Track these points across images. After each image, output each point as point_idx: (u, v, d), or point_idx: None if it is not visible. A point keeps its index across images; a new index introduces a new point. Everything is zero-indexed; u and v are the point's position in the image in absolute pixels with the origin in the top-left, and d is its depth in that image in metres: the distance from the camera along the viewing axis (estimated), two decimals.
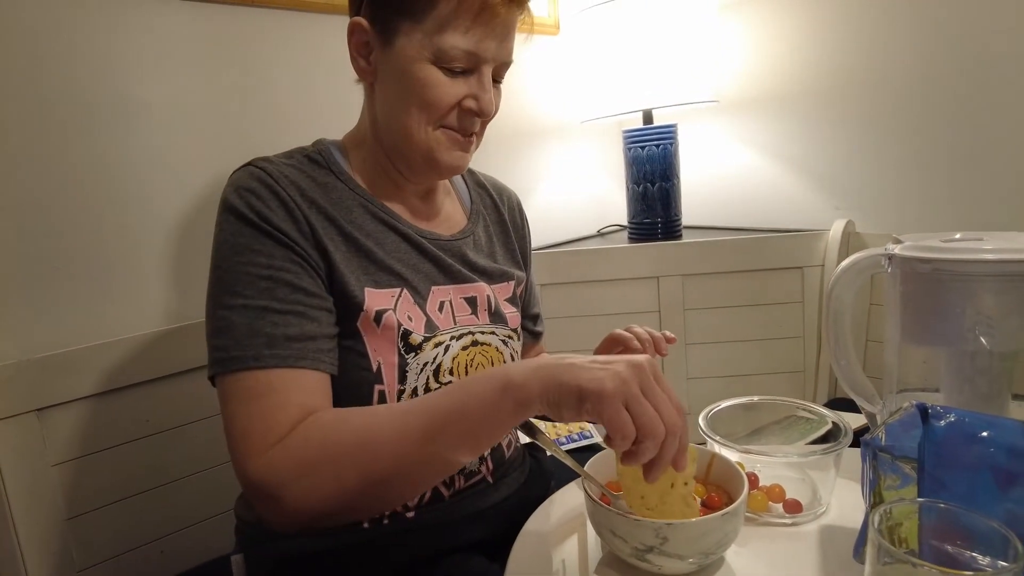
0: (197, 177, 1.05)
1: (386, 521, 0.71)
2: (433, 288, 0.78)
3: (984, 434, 0.45)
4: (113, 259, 0.98)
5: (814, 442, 0.70)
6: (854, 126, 1.44)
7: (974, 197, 1.28)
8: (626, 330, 0.83)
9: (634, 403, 0.51)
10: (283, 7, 1.13)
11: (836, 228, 1.40)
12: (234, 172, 0.73)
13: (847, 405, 1.37)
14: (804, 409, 0.72)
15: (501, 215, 0.93)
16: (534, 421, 0.62)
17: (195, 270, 1.04)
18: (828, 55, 1.45)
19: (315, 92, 1.17)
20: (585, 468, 0.62)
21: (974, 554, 0.39)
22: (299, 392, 0.64)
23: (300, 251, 0.68)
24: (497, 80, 0.76)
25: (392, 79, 0.72)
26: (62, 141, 0.93)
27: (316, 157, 0.76)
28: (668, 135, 1.45)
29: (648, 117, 1.50)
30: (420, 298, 0.76)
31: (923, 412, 0.47)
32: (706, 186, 1.70)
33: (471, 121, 0.74)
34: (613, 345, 0.83)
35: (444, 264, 0.79)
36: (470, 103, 0.72)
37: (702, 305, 1.45)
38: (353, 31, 0.73)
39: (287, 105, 1.15)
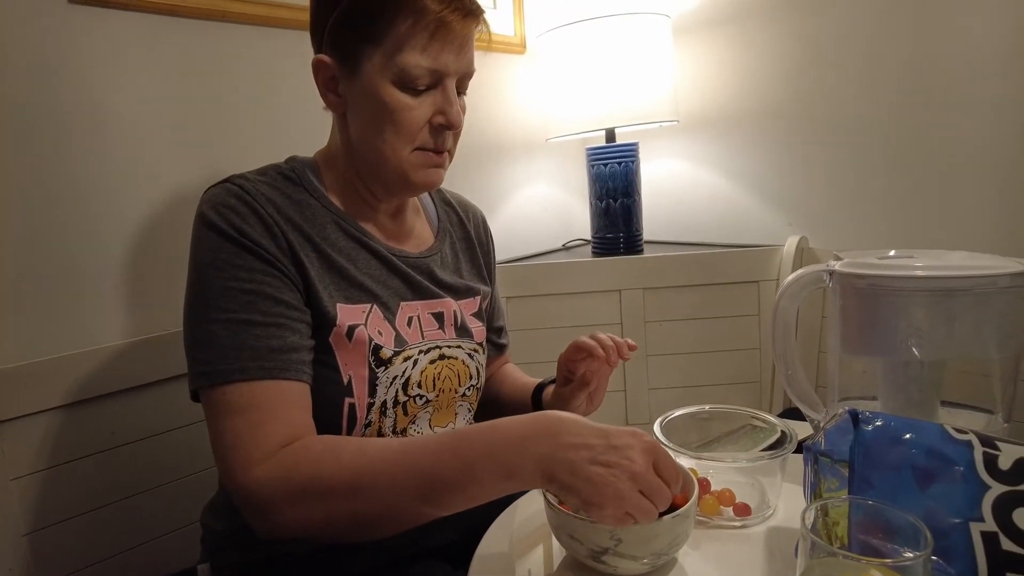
0: (165, 190, 1.05)
1: None
2: (402, 304, 0.80)
3: (907, 436, 0.49)
4: (78, 270, 0.97)
5: (765, 450, 0.74)
6: (805, 146, 1.51)
7: (915, 215, 1.36)
8: (591, 337, 0.85)
9: (632, 509, 0.54)
10: (253, 22, 1.14)
11: (790, 244, 1.46)
12: (209, 189, 0.74)
13: (799, 414, 1.43)
14: (756, 418, 0.76)
15: (467, 232, 0.96)
16: None
17: (161, 282, 1.04)
18: (780, 80, 1.52)
19: (284, 107, 1.18)
20: None
21: (895, 547, 0.43)
22: (284, 404, 0.66)
23: (280, 266, 0.70)
24: (460, 91, 0.78)
25: (362, 107, 0.74)
26: (29, 152, 0.92)
27: (290, 174, 0.78)
28: (630, 153, 1.50)
29: (611, 136, 1.54)
30: (390, 313, 0.78)
31: (854, 417, 0.51)
32: (666, 202, 1.76)
33: (443, 137, 0.76)
34: (577, 352, 0.85)
35: (412, 281, 0.82)
36: (439, 119, 0.74)
37: (662, 317, 1.49)
38: (318, 68, 0.75)
39: (256, 119, 1.16)
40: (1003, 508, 0.45)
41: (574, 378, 0.87)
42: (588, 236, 1.62)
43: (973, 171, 1.26)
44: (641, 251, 1.56)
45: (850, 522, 0.46)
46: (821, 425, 0.75)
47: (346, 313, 0.73)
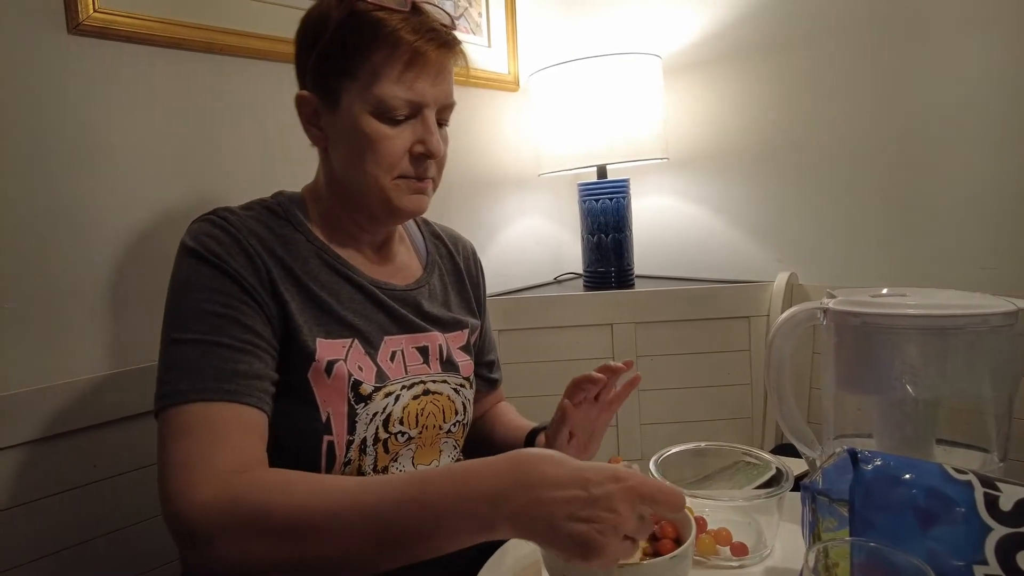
0: (152, 221, 1.04)
1: None
2: (385, 338, 0.79)
3: (906, 476, 0.48)
4: (59, 300, 0.96)
5: (760, 487, 0.73)
6: (795, 184, 1.53)
7: (904, 253, 1.38)
8: (585, 379, 0.82)
9: (620, 556, 0.52)
10: (245, 55, 1.15)
11: (780, 280, 1.47)
12: (195, 221, 0.74)
13: (792, 451, 1.43)
14: (750, 455, 0.76)
15: (456, 264, 0.96)
16: None
17: (144, 313, 1.03)
18: (769, 118, 1.55)
19: (276, 139, 1.19)
20: None
21: None
22: (240, 429, 0.64)
23: (257, 296, 0.69)
24: (441, 123, 0.79)
25: (342, 139, 0.75)
26: (19, 179, 0.92)
27: (275, 208, 0.78)
28: (621, 189, 1.52)
29: (602, 172, 1.56)
30: (371, 348, 0.77)
31: (853, 457, 0.51)
32: (657, 238, 1.77)
33: (424, 165, 0.77)
34: (577, 393, 0.82)
35: (397, 314, 0.81)
36: (419, 148, 0.75)
37: (654, 352, 1.49)
38: (301, 104, 0.78)
39: (246, 151, 1.16)
40: (1006, 551, 0.45)
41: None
42: (580, 270, 1.63)
43: (963, 209, 1.28)
44: (632, 285, 1.56)
45: (852, 564, 0.46)
46: (819, 464, 0.74)
47: (326, 348, 0.73)
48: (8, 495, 0.89)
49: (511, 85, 1.70)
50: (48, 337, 0.94)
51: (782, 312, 1.45)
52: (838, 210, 1.47)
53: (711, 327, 1.49)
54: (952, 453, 0.69)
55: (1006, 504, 0.46)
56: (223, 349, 0.66)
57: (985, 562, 0.45)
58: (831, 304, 0.70)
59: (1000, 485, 0.48)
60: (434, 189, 0.81)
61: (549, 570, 0.60)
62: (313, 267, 0.76)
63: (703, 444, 0.76)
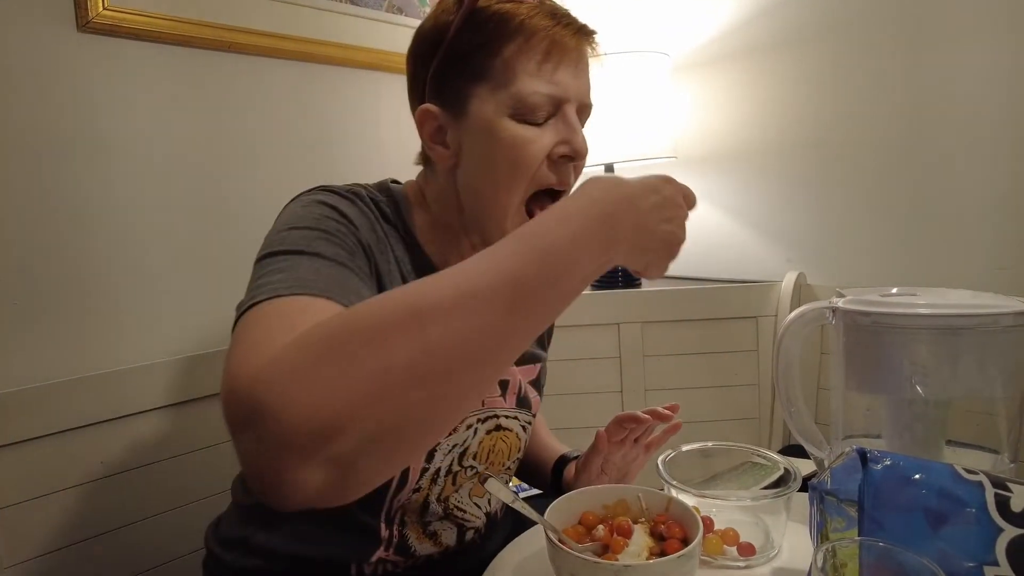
0: (167, 217, 1.05)
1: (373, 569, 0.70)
2: None
3: (917, 477, 0.48)
4: (66, 297, 0.96)
5: (768, 487, 0.73)
6: (804, 183, 1.52)
7: (916, 252, 1.36)
8: (629, 418, 0.81)
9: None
10: (259, 53, 1.16)
11: (788, 279, 1.46)
12: (321, 189, 0.67)
13: (800, 451, 1.42)
14: (757, 455, 0.75)
15: None
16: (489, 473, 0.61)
17: (156, 310, 1.03)
18: (778, 117, 1.54)
19: (289, 137, 1.19)
20: (545, 516, 0.63)
21: None
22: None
23: (369, 271, 0.63)
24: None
25: (475, 151, 0.67)
26: (34, 177, 0.93)
27: (385, 210, 0.71)
28: None
29: (610, 170, 1.56)
30: None
31: (862, 456, 0.50)
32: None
33: (566, 170, 0.68)
34: (618, 430, 0.82)
35: None
36: (562, 149, 0.66)
37: (661, 352, 1.48)
38: (423, 121, 0.69)
39: (262, 150, 1.16)
40: (1018, 552, 0.44)
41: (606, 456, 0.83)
42: None
43: (976, 208, 1.27)
44: (639, 285, 1.56)
45: (861, 564, 0.45)
46: (827, 463, 0.74)
47: None
48: (15, 491, 0.89)
49: None
50: (56, 333, 0.95)
51: (790, 312, 1.45)
52: (848, 209, 1.46)
53: (719, 327, 1.49)
54: (962, 454, 0.68)
55: (1017, 505, 0.46)
56: (352, 276, 0.56)
57: (996, 563, 0.45)
58: (840, 303, 0.69)
59: (1011, 486, 0.47)
60: None
61: (555, 566, 0.60)
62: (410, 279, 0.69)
63: (710, 444, 0.76)
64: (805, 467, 1.25)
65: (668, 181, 0.56)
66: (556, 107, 0.66)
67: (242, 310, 0.49)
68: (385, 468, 0.42)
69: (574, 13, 0.69)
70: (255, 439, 0.38)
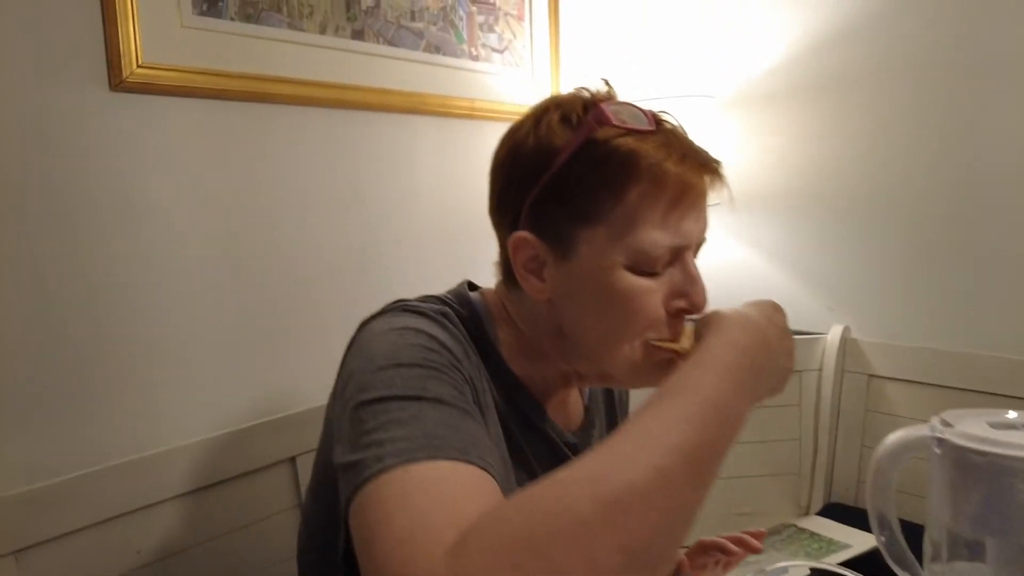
0: (196, 278, 0.99)
1: None
2: None
3: None
4: (103, 364, 0.91)
5: None
6: (849, 229, 1.47)
7: (967, 309, 1.31)
8: (715, 546, 0.80)
9: None
10: (291, 103, 1.10)
11: (834, 333, 1.42)
12: (399, 311, 0.61)
13: (841, 511, 1.38)
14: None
15: (611, 395, 0.85)
16: None
17: (187, 387, 0.98)
18: (822, 160, 1.49)
19: (324, 187, 1.14)
20: None
21: None
22: (486, 491, 0.45)
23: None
24: None
25: (583, 297, 0.61)
26: (61, 242, 0.87)
27: (471, 328, 0.65)
28: None
29: None
30: None
31: None
32: (705, 280, 1.71)
33: (681, 323, 0.63)
34: (702, 556, 0.81)
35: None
36: (680, 303, 0.61)
37: None
38: (517, 248, 0.63)
39: (298, 201, 1.10)
40: None
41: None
42: None
43: None
44: None
45: None
46: None
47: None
48: None
49: None
50: (86, 416, 0.89)
51: (836, 367, 1.39)
52: (896, 259, 1.41)
53: None
54: None
55: None
56: (472, 421, 0.51)
57: None
58: (949, 435, 0.64)
59: None
60: None
61: None
62: (500, 403, 0.65)
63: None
64: (848, 537, 1.21)
65: (777, 309, 0.60)
66: (676, 256, 0.61)
67: (368, 474, 0.44)
68: None
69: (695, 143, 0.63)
70: None
